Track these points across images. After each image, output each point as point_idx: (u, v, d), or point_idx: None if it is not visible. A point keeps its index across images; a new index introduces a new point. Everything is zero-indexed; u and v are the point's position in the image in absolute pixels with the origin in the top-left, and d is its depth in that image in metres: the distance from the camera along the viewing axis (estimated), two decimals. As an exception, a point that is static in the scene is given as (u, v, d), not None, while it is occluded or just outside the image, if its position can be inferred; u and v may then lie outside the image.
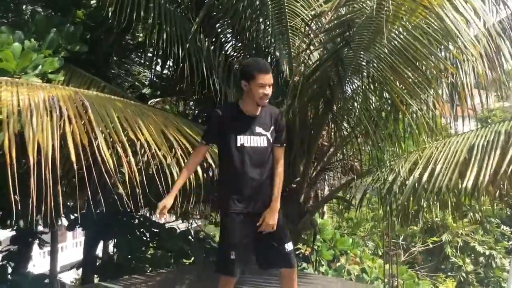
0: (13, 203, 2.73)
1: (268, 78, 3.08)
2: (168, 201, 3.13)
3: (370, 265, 9.97)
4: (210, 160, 4.17)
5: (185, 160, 3.69)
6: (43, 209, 2.81)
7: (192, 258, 7.42)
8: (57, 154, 3.02)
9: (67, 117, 3.24)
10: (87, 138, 3.17)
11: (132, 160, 3.40)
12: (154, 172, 3.55)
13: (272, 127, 3.20)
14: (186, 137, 4.00)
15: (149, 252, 7.61)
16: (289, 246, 3.24)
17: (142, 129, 3.65)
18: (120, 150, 3.36)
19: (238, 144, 3.11)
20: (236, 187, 3.15)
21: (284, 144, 3.31)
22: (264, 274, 3.91)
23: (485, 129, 4.80)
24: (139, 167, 3.70)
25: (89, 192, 3.19)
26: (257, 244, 3.21)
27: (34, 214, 2.67)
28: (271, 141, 3.19)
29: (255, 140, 3.14)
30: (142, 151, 3.73)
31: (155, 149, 3.63)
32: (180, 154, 3.76)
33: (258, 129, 3.16)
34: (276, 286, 3.50)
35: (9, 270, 7.39)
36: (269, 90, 3.08)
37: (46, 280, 7.57)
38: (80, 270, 8.30)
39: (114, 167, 3.18)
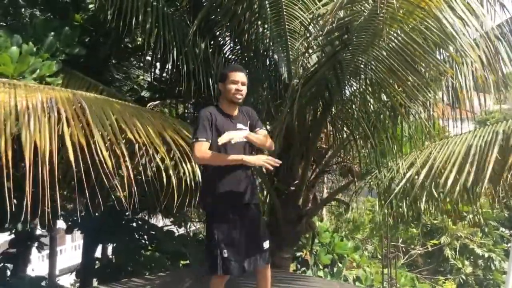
0: (8, 205, 2.72)
1: (240, 76, 3.29)
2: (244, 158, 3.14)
3: (367, 269, 9.96)
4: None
5: (183, 162, 3.73)
6: (39, 212, 2.80)
7: (188, 259, 7.42)
8: (55, 156, 3.00)
9: (65, 118, 3.22)
10: (85, 140, 3.16)
11: (130, 161, 3.38)
12: (152, 174, 3.54)
13: (249, 122, 3.40)
14: (184, 139, 4.00)
15: (147, 253, 7.60)
16: (266, 244, 3.38)
17: (140, 131, 3.64)
18: (118, 151, 3.35)
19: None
20: (224, 181, 3.25)
21: (263, 128, 3.49)
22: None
23: (483, 129, 4.79)
24: (136, 172, 3.69)
25: (87, 195, 3.19)
26: (246, 240, 3.29)
27: (32, 217, 2.66)
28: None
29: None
30: (141, 152, 3.72)
31: (152, 152, 3.63)
32: (178, 156, 3.76)
33: (239, 125, 3.32)
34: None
35: (8, 273, 7.38)
36: (242, 87, 3.28)
37: (43, 283, 7.56)
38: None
39: (113, 169, 3.17)
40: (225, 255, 3.19)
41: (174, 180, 3.70)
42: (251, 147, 3.37)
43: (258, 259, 3.33)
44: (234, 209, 3.28)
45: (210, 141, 3.17)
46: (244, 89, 3.31)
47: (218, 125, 3.23)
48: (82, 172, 2.99)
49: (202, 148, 3.12)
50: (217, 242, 3.24)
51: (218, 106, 3.36)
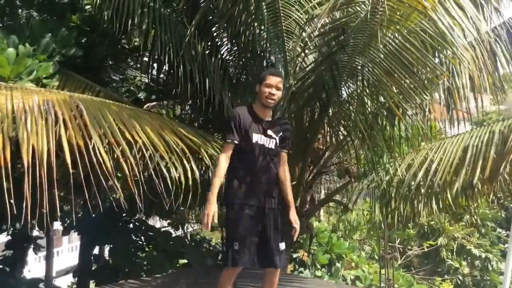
0: (8, 207, 2.71)
1: (276, 80, 3.38)
2: (211, 209, 3.21)
3: (366, 269, 9.97)
4: (207, 161, 4.17)
5: (182, 162, 3.74)
6: (37, 213, 2.80)
7: (186, 259, 7.42)
8: (53, 158, 2.99)
9: (62, 120, 3.22)
10: (82, 141, 3.16)
11: (130, 161, 3.38)
12: (152, 174, 3.53)
13: (281, 133, 3.48)
14: (182, 139, 3.99)
15: (143, 254, 7.60)
16: (282, 246, 3.44)
17: (139, 131, 3.63)
18: (117, 151, 3.34)
19: (254, 141, 3.36)
20: (248, 181, 3.36)
21: (289, 151, 3.60)
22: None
23: (479, 129, 4.80)
24: (135, 172, 3.67)
25: (86, 196, 3.19)
26: (261, 239, 3.36)
27: (29, 219, 2.65)
28: (278, 145, 3.47)
29: (267, 141, 3.41)
30: (140, 154, 3.71)
31: (152, 151, 3.62)
32: (175, 157, 3.74)
33: (270, 132, 3.42)
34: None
35: (5, 274, 7.36)
36: (275, 92, 3.37)
37: (41, 285, 7.55)
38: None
39: (112, 170, 3.17)
40: (236, 247, 3.25)
41: (182, 180, 3.70)
42: (274, 150, 3.46)
43: (272, 259, 3.36)
44: (251, 207, 3.35)
45: (237, 141, 3.34)
46: (277, 94, 3.40)
47: (244, 127, 3.35)
48: (82, 174, 2.99)
49: (225, 152, 3.34)
50: (230, 234, 3.34)
51: (252, 108, 3.47)
